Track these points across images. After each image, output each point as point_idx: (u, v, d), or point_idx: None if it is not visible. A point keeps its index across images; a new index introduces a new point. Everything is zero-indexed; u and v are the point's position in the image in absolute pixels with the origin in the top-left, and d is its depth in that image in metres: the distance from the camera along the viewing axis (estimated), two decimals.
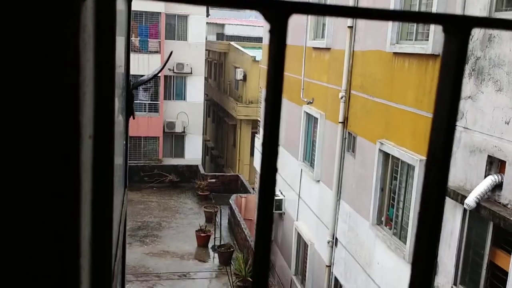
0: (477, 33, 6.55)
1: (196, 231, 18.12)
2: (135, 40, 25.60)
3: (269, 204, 0.46)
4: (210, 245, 17.96)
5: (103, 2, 0.77)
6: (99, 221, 0.83)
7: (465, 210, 6.59)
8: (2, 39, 0.50)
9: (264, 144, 0.46)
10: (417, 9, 8.15)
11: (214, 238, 17.83)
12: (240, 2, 0.44)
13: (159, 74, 25.50)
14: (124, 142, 1.98)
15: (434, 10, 7.42)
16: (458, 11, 6.87)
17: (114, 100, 0.91)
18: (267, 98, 0.46)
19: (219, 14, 45.00)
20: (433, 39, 7.39)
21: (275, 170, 0.46)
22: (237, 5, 0.45)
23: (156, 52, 25.75)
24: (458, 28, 0.48)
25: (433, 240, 0.49)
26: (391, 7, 8.61)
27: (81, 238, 0.62)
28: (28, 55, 0.51)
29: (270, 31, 0.44)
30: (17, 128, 0.53)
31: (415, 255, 0.50)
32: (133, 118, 2.05)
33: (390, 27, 8.64)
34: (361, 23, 10.02)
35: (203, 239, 17.90)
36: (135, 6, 26.01)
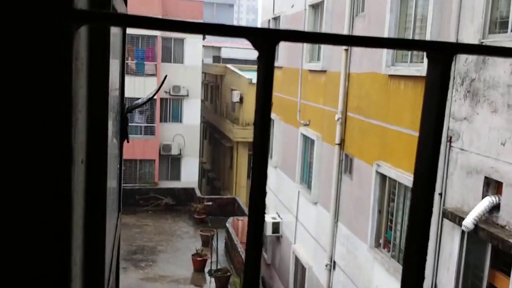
0: (471, 55, 6.60)
1: (192, 255, 17.92)
2: (131, 63, 25.75)
3: (259, 231, 0.46)
4: (206, 269, 17.73)
5: (97, 30, 0.77)
6: (92, 245, 0.81)
7: (463, 232, 6.54)
8: None
9: (253, 169, 0.46)
10: (411, 31, 8.24)
11: (211, 262, 17.63)
12: (229, 31, 0.46)
13: (155, 97, 25.57)
14: (118, 166, 1.96)
15: (428, 32, 7.49)
16: (452, 33, 6.94)
17: (107, 125, 0.90)
18: (255, 121, 0.46)
19: (216, 37, 45.47)
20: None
21: (264, 192, 0.46)
22: (227, 33, 0.47)
23: (153, 75, 25.89)
24: (440, 55, 0.49)
25: (422, 254, 0.49)
26: (386, 30, 8.70)
27: (72, 262, 0.62)
28: (21, 81, 0.52)
29: (258, 58, 0.46)
30: (8, 152, 0.54)
31: (405, 269, 0.51)
32: (127, 141, 2.03)
33: (385, 49, 8.72)
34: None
35: (199, 264, 17.68)
36: (131, 30, 26.43)
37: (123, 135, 1.93)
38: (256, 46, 0.44)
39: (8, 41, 0.51)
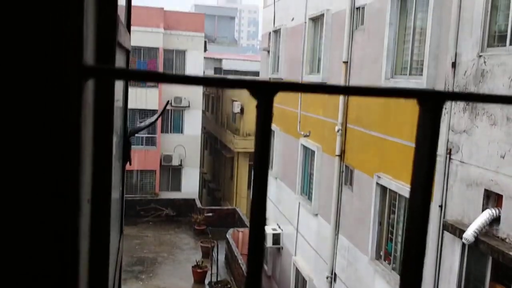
0: (469, 68, 6.65)
1: (192, 266, 17.85)
2: None
3: (259, 245, 0.48)
4: (206, 281, 17.66)
5: (103, 81, 0.81)
6: (95, 279, 0.83)
7: (463, 244, 6.54)
8: (8, 114, 0.54)
9: (251, 217, 0.48)
10: (410, 44, 8.29)
11: (211, 274, 17.55)
12: (231, 82, 0.49)
13: (156, 107, 25.65)
14: (121, 188, 1.98)
15: (427, 45, 7.54)
16: (450, 46, 6.99)
17: (111, 164, 0.94)
18: (255, 165, 0.49)
19: (217, 49, 45.68)
20: (427, 74, 7.49)
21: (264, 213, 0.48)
22: (228, 85, 0.49)
23: (154, 86, 25.98)
24: (431, 102, 0.51)
25: (419, 264, 0.51)
26: (385, 43, 8.76)
27: None
28: (32, 129, 0.56)
29: (257, 107, 0.48)
30: (17, 194, 0.56)
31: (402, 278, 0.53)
32: (130, 164, 2.05)
33: (384, 61, 8.78)
34: (356, 58, 10.17)
35: (199, 275, 17.61)
36: (133, 42, 26.47)
37: (126, 158, 1.96)
38: (255, 96, 0.47)
39: (23, 95, 0.54)
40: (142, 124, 2.93)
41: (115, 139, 1.59)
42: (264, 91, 0.47)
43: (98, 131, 0.81)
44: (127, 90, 2.06)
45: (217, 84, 0.48)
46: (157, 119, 2.94)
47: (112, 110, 0.94)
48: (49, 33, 0.55)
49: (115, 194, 1.61)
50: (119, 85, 1.72)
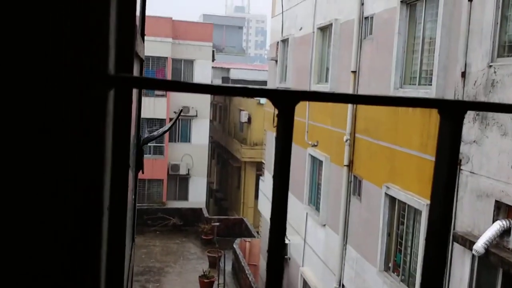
0: (479, 78, 6.60)
1: (199, 276, 17.78)
2: None
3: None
4: None
5: (122, 90, 0.82)
6: (110, 281, 0.82)
7: (473, 256, 6.45)
8: (33, 123, 0.56)
9: (271, 229, 0.49)
10: (419, 54, 8.26)
11: (218, 284, 17.47)
12: (253, 92, 0.50)
13: (165, 117, 25.75)
14: (133, 196, 1.97)
15: (436, 55, 7.51)
16: (460, 56, 6.95)
17: (128, 172, 0.95)
18: (275, 174, 0.49)
19: (225, 59, 45.89)
20: (437, 84, 7.45)
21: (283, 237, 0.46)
22: (250, 94, 0.51)
23: (163, 95, 26.12)
24: (452, 112, 0.50)
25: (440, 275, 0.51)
26: (394, 52, 8.74)
27: None
28: (60, 138, 0.57)
29: (278, 116, 0.50)
30: (49, 204, 0.57)
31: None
32: (143, 173, 2.05)
33: (393, 71, 8.75)
34: (365, 67, 10.15)
35: (206, 285, 17.53)
36: None
37: (138, 166, 1.95)
38: (276, 105, 0.48)
39: (51, 104, 0.56)
40: (155, 133, 2.93)
41: (130, 148, 1.59)
42: (286, 100, 0.48)
43: (116, 139, 0.82)
44: (140, 99, 2.07)
45: (238, 93, 0.49)
46: (170, 127, 2.94)
47: (130, 119, 0.95)
48: (77, 43, 0.56)
49: (129, 203, 1.61)
50: (133, 94, 1.73)
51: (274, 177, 0.48)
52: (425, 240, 0.54)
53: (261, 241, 18.05)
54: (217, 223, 22.99)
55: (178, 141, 27.35)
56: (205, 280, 17.48)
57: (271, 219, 0.47)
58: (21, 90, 0.55)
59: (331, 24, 11.75)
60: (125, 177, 0.93)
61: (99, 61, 0.57)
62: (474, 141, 6.68)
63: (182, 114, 26.72)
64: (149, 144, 26.42)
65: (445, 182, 0.52)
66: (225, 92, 0.48)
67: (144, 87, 0.54)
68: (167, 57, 26.06)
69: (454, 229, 6.96)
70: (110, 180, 0.81)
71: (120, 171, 0.86)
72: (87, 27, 0.56)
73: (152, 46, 25.27)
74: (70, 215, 0.58)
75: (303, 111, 13.34)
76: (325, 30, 12.45)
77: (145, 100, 25.42)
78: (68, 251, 0.58)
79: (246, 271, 16.81)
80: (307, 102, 13.18)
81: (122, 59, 0.90)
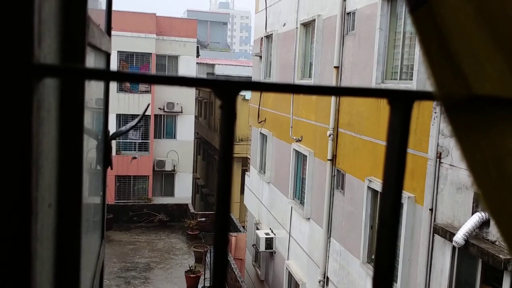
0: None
1: (185, 272, 17.81)
2: None
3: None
4: (200, 286, 17.61)
5: (69, 82, 0.80)
6: (63, 285, 0.82)
7: (454, 247, 6.59)
8: None
9: (216, 223, 0.50)
10: (400, 49, 8.38)
11: (204, 279, 17.52)
12: (194, 81, 0.49)
13: (149, 113, 25.63)
14: (102, 193, 1.99)
15: (417, 49, 7.63)
16: None
17: (81, 168, 0.93)
18: (219, 166, 0.50)
19: (210, 55, 45.72)
20: (417, 79, 7.57)
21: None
22: (192, 84, 0.49)
23: (147, 91, 25.97)
24: (401, 102, 0.53)
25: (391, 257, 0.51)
26: (375, 48, 8.85)
27: None
28: None
29: (220, 107, 0.48)
30: None
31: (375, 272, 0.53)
32: (111, 168, 2.07)
33: (375, 66, 8.86)
34: (347, 63, 10.25)
35: (192, 280, 17.57)
36: (126, 47, 26.14)
37: (107, 162, 1.96)
38: (218, 96, 0.47)
39: None
40: (123, 128, 2.95)
41: (95, 143, 1.59)
42: (227, 90, 0.46)
43: (65, 133, 0.81)
44: (108, 93, 2.08)
45: (180, 83, 0.48)
46: (138, 121, 2.97)
47: (82, 112, 0.93)
48: None
49: (93, 199, 1.61)
50: (98, 88, 1.73)
51: (218, 165, 0.49)
52: (378, 225, 0.57)
53: (247, 236, 18.12)
54: (203, 219, 23.01)
55: (163, 137, 27.24)
56: (191, 275, 17.52)
57: (215, 214, 0.48)
58: None
59: (314, 20, 11.83)
60: (78, 172, 0.91)
61: (20, 47, 0.52)
62: None
63: (167, 110, 26.61)
64: (134, 141, 26.28)
65: (396, 170, 0.53)
66: (166, 82, 0.47)
67: (79, 77, 0.53)
68: (151, 53, 25.91)
69: (434, 221, 7.10)
70: (58, 175, 0.81)
71: (70, 166, 0.85)
72: (8, 11, 0.52)
73: (136, 42, 25.09)
74: None
75: (288, 107, 13.42)
76: (308, 25, 12.52)
77: (129, 97, 25.31)
78: None
79: (232, 265, 16.89)
80: (291, 98, 13.25)
81: (70, 50, 0.86)
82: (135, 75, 0.49)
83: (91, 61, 1.38)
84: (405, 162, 0.56)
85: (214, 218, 0.48)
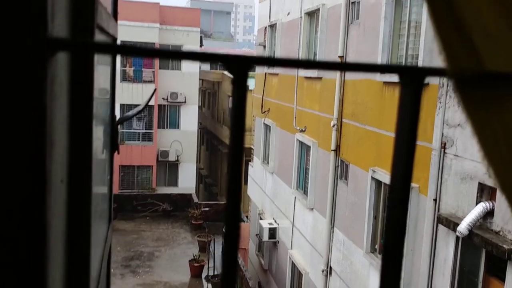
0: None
1: (189, 261, 17.91)
2: (129, 70, 25.81)
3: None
4: (203, 275, 17.72)
5: (79, 59, 0.80)
6: (75, 264, 0.83)
7: (457, 237, 6.59)
8: None
9: (228, 190, 0.49)
10: (405, 38, 8.32)
11: (208, 268, 17.62)
12: (206, 56, 0.48)
13: (153, 104, 25.63)
14: (109, 177, 1.99)
15: (422, 39, 7.57)
16: None
17: (91, 145, 0.93)
18: (230, 142, 0.49)
19: (213, 44, 45.57)
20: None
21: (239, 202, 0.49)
22: (203, 59, 0.49)
23: (150, 81, 25.95)
24: (412, 79, 0.52)
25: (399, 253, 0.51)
26: (380, 37, 8.79)
27: (49, 281, 0.62)
28: None
29: (232, 82, 0.48)
30: None
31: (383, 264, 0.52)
32: (118, 153, 2.07)
33: (380, 55, 8.80)
34: (352, 52, 10.19)
35: (196, 269, 17.68)
36: (129, 37, 26.15)
37: (114, 146, 1.97)
38: (230, 71, 0.47)
39: None
40: (130, 113, 2.95)
41: (102, 127, 1.60)
42: (239, 65, 0.46)
43: (76, 109, 0.81)
44: (114, 79, 2.08)
45: (191, 57, 0.47)
46: (145, 106, 2.97)
47: (91, 88, 0.93)
48: (10, 2, 0.53)
49: (101, 182, 1.62)
50: (105, 74, 1.73)
51: (229, 145, 0.49)
52: (387, 207, 0.56)
53: (250, 225, 18.17)
54: (207, 208, 23.09)
55: (167, 127, 27.26)
56: (195, 264, 17.62)
57: (226, 197, 0.47)
58: None
59: (318, 9, 11.74)
60: (88, 148, 0.91)
61: (36, 21, 0.54)
62: (458, 125, 6.78)
63: (170, 100, 26.60)
64: (138, 131, 26.32)
65: (406, 150, 0.52)
66: (176, 57, 0.47)
67: (91, 51, 0.53)
68: (154, 43, 25.84)
69: (438, 211, 7.09)
70: (69, 152, 0.80)
71: (81, 142, 0.85)
72: None
73: (139, 32, 25.03)
74: (8, 182, 0.55)
75: (291, 97, 13.38)
76: (312, 15, 12.44)
77: (133, 87, 25.30)
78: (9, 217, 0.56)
79: None
80: (295, 88, 13.21)
81: (79, 30, 0.87)
82: (143, 49, 0.49)
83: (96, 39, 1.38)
84: (416, 140, 0.55)
85: (226, 193, 0.48)
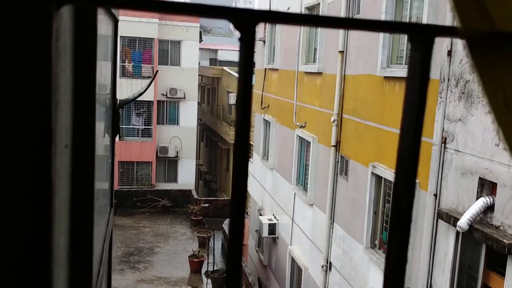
0: (465, 57, 6.65)
1: (189, 256, 17.92)
2: (128, 66, 25.75)
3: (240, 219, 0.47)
4: (203, 270, 17.73)
5: (83, 11, 0.78)
6: (78, 228, 0.82)
7: (458, 232, 6.58)
8: None
9: (235, 152, 0.47)
10: (405, 36, 8.27)
11: (207, 263, 17.63)
12: (210, 11, 0.46)
13: (152, 99, 25.58)
14: (110, 160, 1.98)
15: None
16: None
17: (94, 109, 0.92)
18: (237, 104, 0.47)
19: (212, 40, 45.50)
20: None
21: (246, 171, 0.47)
22: (207, 14, 0.46)
23: (149, 77, 25.88)
24: (422, 37, 0.50)
25: (404, 244, 0.49)
26: (380, 41, 8.74)
27: (54, 245, 0.61)
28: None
29: (240, 39, 0.46)
30: None
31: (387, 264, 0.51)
32: (120, 138, 2.06)
33: (380, 51, 8.77)
34: (352, 47, 10.16)
35: (196, 265, 17.68)
36: (128, 32, 26.07)
37: (115, 130, 1.96)
38: (236, 26, 0.45)
39: None
40: (131, 96, 2.94)
41: (103, 109, 1.58)
42: (247, 20, 0.45)
43: (79, 71, 0.79)
44: (115, 68, 2.07)
45: (196, 12, 0.45)
46: (146, 89, 2.95)
47: (95, 46, 0.92)
48: None
49: (103, 164, 1.60)
50: (106, 65, 1.72)
51: (236, 107, 0.47)
52: (392, 192, 0.54)
53: (250, 221, 18.17)
54: (206, 204, 23.09)
55: (166, 123, 27.24)
56: (195, 260, 17.62)
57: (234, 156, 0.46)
58: None
59: (318, 4, 11.71)
60: (91, 112, 0.89)
61: None
62: (459, 120, 6.76)
63: (169, 96, 26.55)
64: (137, 127, 26.29)
65: (416, 109, 0.51)
66: (177, 11, 0.45)
67: (95, 4, 0.51)
68: (153, 38, 25.79)
69: (438, 206, 7.08)
70: (73, 118, 0.78)
71: (84, 104, 0.83)
72: None
73: (139, 27, 24.96)
74: (13, 143, 0.54)
75: (292, 93, 13.35)
76: (312, 9, 12.39)
77: (132, 82, 25.25)
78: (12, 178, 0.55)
79: None
80: (295, 84, 13.18)
81: None
82: (145, 1, 0.46)
83: (102, 27, 1.36)
84: (426, 101, 0.54)
85: (233, 165, 0.46)
